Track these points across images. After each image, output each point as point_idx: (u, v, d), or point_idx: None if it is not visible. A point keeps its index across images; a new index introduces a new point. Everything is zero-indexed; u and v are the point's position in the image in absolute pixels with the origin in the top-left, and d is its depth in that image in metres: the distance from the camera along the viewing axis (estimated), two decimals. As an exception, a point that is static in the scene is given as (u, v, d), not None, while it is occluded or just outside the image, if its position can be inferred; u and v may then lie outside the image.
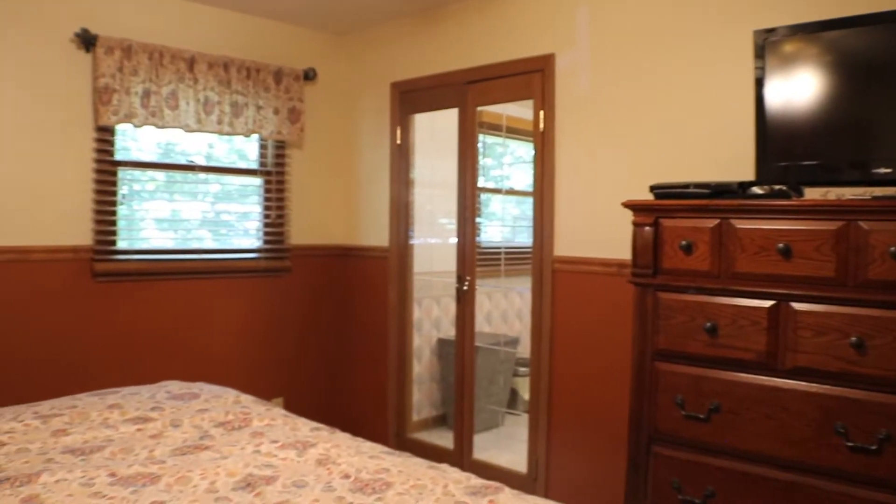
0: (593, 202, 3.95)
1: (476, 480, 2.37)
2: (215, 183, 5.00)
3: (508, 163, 5.86)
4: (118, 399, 3.09)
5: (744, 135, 3.06)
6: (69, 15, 4.21)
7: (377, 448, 2.67)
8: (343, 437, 2.76)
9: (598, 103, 3.94)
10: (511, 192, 5.81)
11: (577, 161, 4.04)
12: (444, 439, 5.08)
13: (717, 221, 2.73)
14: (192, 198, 4.93)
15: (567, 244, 4.11)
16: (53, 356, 4.22)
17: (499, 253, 5.29)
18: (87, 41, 4.22)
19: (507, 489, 2.31)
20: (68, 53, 4.24)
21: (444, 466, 2.50)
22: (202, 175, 4.91)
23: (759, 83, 2.84)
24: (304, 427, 2.85)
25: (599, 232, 3.90)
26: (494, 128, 5.08)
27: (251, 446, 2.58)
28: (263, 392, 3.41)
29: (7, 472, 2.31)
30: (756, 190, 2.73)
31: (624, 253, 3.41)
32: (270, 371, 5.12)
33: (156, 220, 4.77)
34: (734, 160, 3.18)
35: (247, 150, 5.16)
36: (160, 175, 4.79)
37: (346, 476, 2.35)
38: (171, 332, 4.65)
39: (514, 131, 5.13)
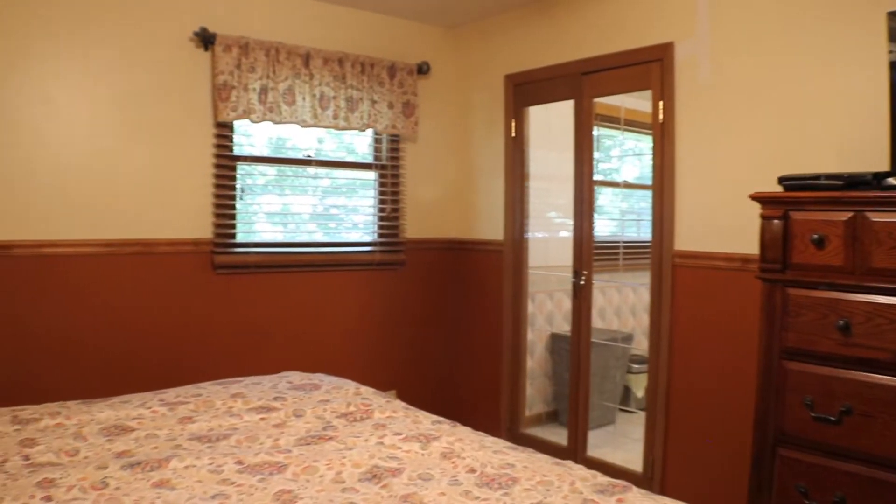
0: (715, 194, 3.80)
1: (602, 478, 2.29)
2: (325, 178, 5.04)
3: (617, 155, 5.73)
4: (241, 388, 3.13)
5: (875, 123, 2.88)
6: (188, 14, 4.31)
7: (500, 443, 2.61)
8: (465, 431, 2.71)
9: (719, 92, 3.79)
10: (628, 185, 5.67)
11: (698, 152, 3.90)
12: (556, 435, 5.00)
13: (850, 214, 2.57)
14: (303, 192, 4.98)
15: (687, 238, 3.97)
16: (175, 345, 4.34)
17: (610, 247, 5.17)
18: (205, 39, 4.30)
19: (634, 488, 2.22)
20: (188, 52, 4.33)
21: (569, 463, 2.43)
22: (311, 170, 4.95)
23: (894, 67, 2.66)
24: (426, 420, 2.81)
25: (721, 225, 3.75)
26: (607, 119, 4.96)
27: (375, 438, 2.56)
28: (376, 384, 3.41)
29: (138, 457, 2.36)
30: (892, 181, 2.57)
31: (747, 247, 3.27)
32: (383, 363, 5.13)
33: (268, 214, 4.84)
34: (865, 150, 3.01)
35: (356, 144, 5.18)
36: (271, 170, 4.84)
37: (472, 470, 2.30)
38: (287, 323, 4.71)
39: (625, 122, 5.00)
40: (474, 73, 5.36)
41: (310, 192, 5.01)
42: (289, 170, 4.90)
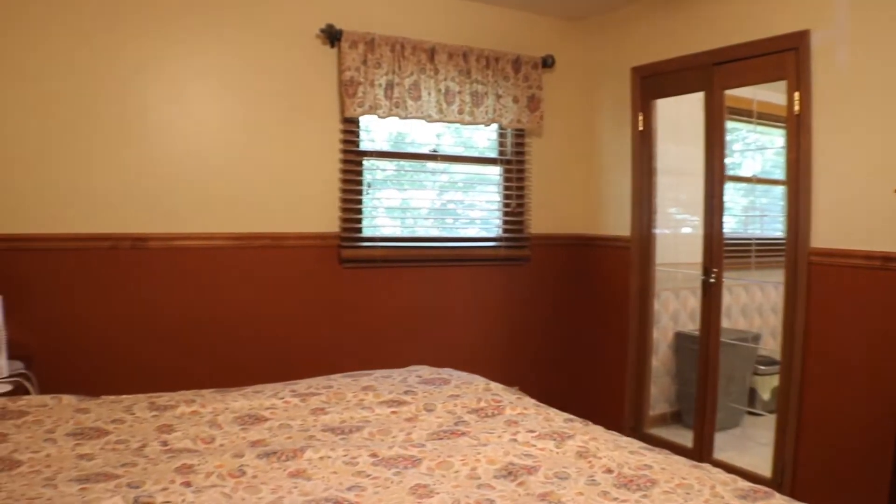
0: (854, 190, 3.59)
1: (743, 483, 2.18)
2: (445, 172, 5.02)
3: (739, 150, 5.52)
4: (371, 381, 3.12)
5: None
6: (315, 12, 4.36)
7: (635, 443, 2.52)
8: (599, 430, 2.63)
9: (860, 82, 3.57)
10: (760, 180, 5.46)
11: (836, 145, 3.69)
12: (679, 437, 4.85)
13: None
14: (423, 187, 4.98)
15: (824, 236, 3.77)
16: (301, 337, 4.41)
17: (736, 244, 4.98)
18: (332, 36, 4.33)
19: (777, 495, 2.10)
20: (315, 49, 4.39)
21: (708, 466, 2.32)
22: (429, 164, 4.95)
23: None
24: (557, 418, 2.74)
25: (861, 222, 3.54)
26: (734, 112, 4.77)
27: (508, 435, 2.50)
28: (497, 380, 3.35)
29: (272, 447, 2.37)
30: None
31: (889, 245, 3.09)
32: (506, 359, 5.08)
33: (387, 209, 4.85)
34: None
35: (475, 139, 5.13)
36: (390, 165, 4.85)
37: (609, 470, 2.22)
38: (410, 317, 4.73)
39: (746, 114, 4.80)
40: (600, 65, 5.25)
41: (429, 186, 5.00)
42: (407, 165, 4.90)
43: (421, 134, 4.90)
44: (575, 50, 5.32)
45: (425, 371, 3.34)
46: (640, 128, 4.87)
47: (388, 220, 4.84)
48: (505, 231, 5.08)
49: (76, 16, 3.85)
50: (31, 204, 3.81)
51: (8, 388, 3.25)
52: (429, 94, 4.54)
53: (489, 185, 5.13)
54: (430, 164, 4.95)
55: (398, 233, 4.83)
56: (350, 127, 4.48)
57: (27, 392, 3.34)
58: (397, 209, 4.89)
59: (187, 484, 2.07)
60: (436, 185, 5.02)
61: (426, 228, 4.95)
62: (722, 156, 4.37)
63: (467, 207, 5.15)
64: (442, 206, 5.06)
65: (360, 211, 4.56)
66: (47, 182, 3.84)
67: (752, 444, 4.77)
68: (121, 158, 3.96)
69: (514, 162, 5.07)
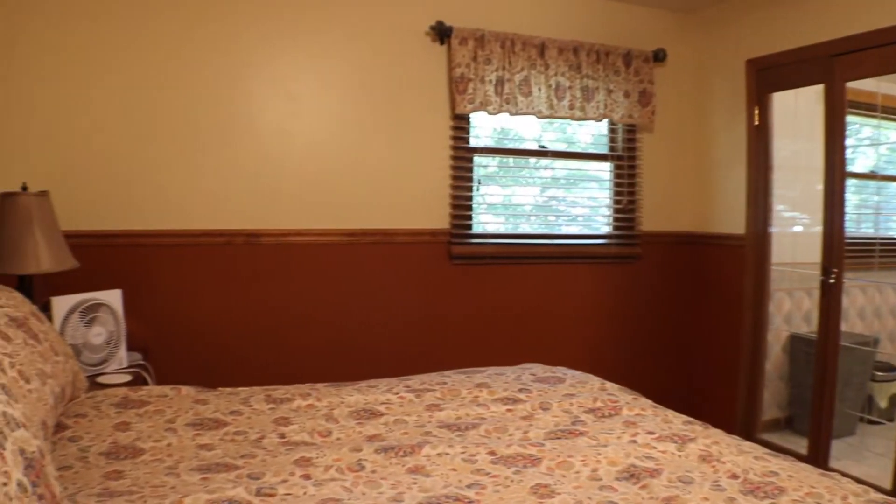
0: None
1: (876, 495, 2.07)
2: (549, 168, 4.97)
3: (852, 144, 5.28)
4: (485, 378, 3.11)
5: None
6: (425, 9, 4.38)
7: (758, 448, 2.44)
8: (720, 434, 2.55)
9: None
10: (885, 177, 5.22)
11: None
12: (792, 443, 4.68)
13: None
14: (527, 183, 4.95)
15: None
16: (411, 332, 4.45)
17: (855, 243, 4.77)
18: (442, 33, 4.34)
19: (909, 508, 2.00)
20: (425, 45, 4.40)
21: (836, 475, 2.22)
22: (532, 160, 4.92)
23: None
24: (676, 420, 2.68)
25: None
26: (853, 105, 4.57)
27: (627, 436, 2.46)
28: (604, 379, 3.30)
29: (389, 442, 2.38)
30: None
31: None
32: (613, 358, 5.01)
33: (491, 206, 4.82)
34: None
35: (578, 135, 5.07)
36: (493, 161, 4.83)
37: (734, 476, 2.15)
38: (519, 314, 4.70)
39: (865, 108, 4.59)
40: (713, 58, 5.12)
41: (534, 183, 4.96)
42: (510, 160, 4.88)
43: (523, 130, 4.86)
44: (687, 43, 5.20)
45: (538, 369, 3.31)
46: (756, 122, 4.73)
47: (492, 217, 4.82)
48: (615, 228, 5.00)
49: (187, 16, 3.96)
50: (150, 201, 3.93)
51: (128, 378, 3.35)
52: (539, 89, 4.51)
53: (594, 182, 5.07)
54: (533, 161, 4.92)
55: (501, 229, 4.80)
56: (460, 123, 4.49)
57: (146, 382, 3.44)
58: (500, 206, 4.87)
59: (307, 477, 2.09)
60: (538, 181, 4.98)
61: (529, 225, 4.91)
62: (843, 151, 4.21)
63: (570, 205, 5.08)
64: (545, 202, 5.01)
65: (469, 207, 4.56)
66: (165, 180, 3.96)
67: (870, 453, 4.58)
68: (235, 156, 4.06)
69: (625, 158, 4.99)
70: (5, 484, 1.44)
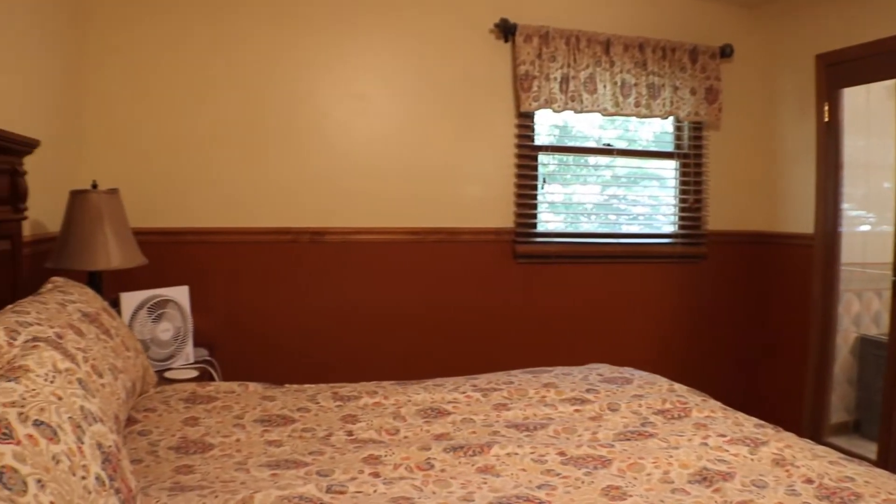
0: None
1: (955, 502, 2.02)
2: (608, 167, 4.93)
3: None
4: (552, 378, 3.10)
5: None
6: (489, 6, 4.37)
7: (832, 452, 2.39)
8: (792, 437, 2.50)
9: None
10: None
11: None
12: (860, 448, 4.57)
13: None
14: (589, 181, 4.92)
15: None
16: (476, 330, 4.46)
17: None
18: (506, 30, 4.33)
19: None
20: (489, 43, 4.40)
21: (915, 481, 2.17)
22: (592, 158, 4.88)
23: None
24: (747, 423, 2.63)
25: None
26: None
27: (698, 438, 2.43)
28: (669, 379, 3.26)
29: (458, 441, 2.38)
30: None
31: None
32: (677, 358, 4.94)
33: (552, 205, 4.78)
34: None
35: (639, 133, 5.01)
36: (553, 160, 4.79)
37: (809, 481, 2.11)
38: (583, 314, 4.67)
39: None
40: (781, 54, 5.02)
41: (594, 181, 4.93)
42: (570, 159, 4.85)
43: (583, 128, 4.83)
44: (754, 38, 5.10)
45: (605, 369, 3.28)
46: (826, 119, 4.62)
47: (552, 216, 4.79)
48: (680, 227, 4.94)
49: (253, 17, 4.02)
50: (217, 199, 4.00)
51: (194, 373, 3.41)
52: (604, 87, 4.47)
53: (655, 180, 5.02)
54: (593, 159, 4.88)
55: (562, 228, 4.78)
56: (525, 122, 4.47)
57: (212, 378, 3.49)
58: (561, 205, 4.84)
59: (376, 475, 2.10)
60: (599, 179, 4.94)
61: (589, 224, 4.87)
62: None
63: (630, 203, 5.04)
64: (605, 201, 4.97)
65: (534, 206, 4.55)
66: (232, 178, 4.02)
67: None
68: (301, 155, 4.12)
69: (691, 156, 4.91)
70: (84, 478, 1.47)
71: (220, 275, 4.04)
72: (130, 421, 2.53)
